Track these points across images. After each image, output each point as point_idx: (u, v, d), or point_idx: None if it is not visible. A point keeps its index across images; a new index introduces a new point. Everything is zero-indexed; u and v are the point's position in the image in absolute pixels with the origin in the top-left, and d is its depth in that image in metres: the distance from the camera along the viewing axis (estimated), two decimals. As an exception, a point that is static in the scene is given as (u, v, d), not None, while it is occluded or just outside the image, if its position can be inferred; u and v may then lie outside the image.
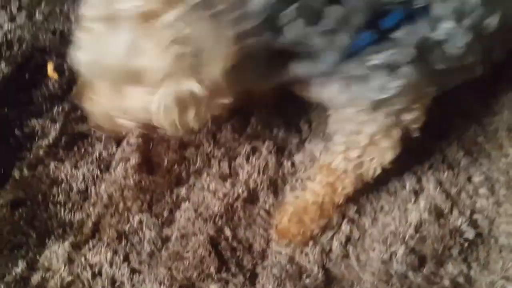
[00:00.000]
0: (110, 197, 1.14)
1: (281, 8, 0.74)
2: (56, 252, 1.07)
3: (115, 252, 1.07)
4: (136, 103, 0.80)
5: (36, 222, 1.12)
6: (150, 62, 0.71)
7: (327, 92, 0.90)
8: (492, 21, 0.84)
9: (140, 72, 0.72)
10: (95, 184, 1.17)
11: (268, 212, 1.11)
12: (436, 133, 1.19)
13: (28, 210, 1.13)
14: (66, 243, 1.07)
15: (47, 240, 1.10)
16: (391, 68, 0.83)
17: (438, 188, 1.12)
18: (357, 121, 0.93)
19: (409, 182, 1.13)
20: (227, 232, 1.08)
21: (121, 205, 1.12)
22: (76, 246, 1.08)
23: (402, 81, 0.84)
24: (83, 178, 1.17)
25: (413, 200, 1.11)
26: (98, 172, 1.18)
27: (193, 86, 0.74)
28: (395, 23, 0.80)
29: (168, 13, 0.69)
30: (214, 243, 1.08)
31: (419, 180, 1.14)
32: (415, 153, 1.15)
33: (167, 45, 0.69)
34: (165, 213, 1.12)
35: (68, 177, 1.17)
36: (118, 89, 0.80)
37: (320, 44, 0.79)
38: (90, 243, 1.08)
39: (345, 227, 1.08)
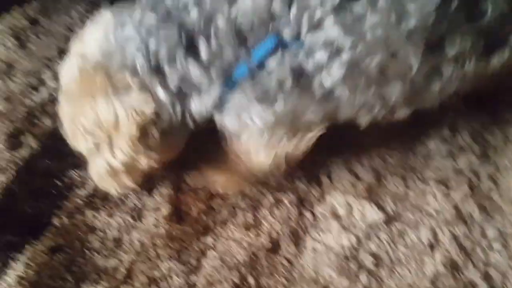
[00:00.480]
0: (142, 244, 1.21)
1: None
2: (90, 297, 1.14)
3: (145, 298, 1.13)
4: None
5: (73, 267, 1.19)
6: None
7: (226, 122, 1.02)
8: (372, 62, 0.89)
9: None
10: (128, 232, 1.25)
11: (289, 261, 1.16)
12: (451, 188, 1.25)
13: (66, 255, 1.21)
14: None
15: (82, 285, 1.17)
16: (269, 96, 0.93)
17: (454, 243, 1.16)
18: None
19: (426, 236, 1.18)
20: (251, 280, 1.14)
21: (152, 252, 1.20)
22: (110, 291, 1.15)
23: (279, 109, 0.94)
24: (118, 227, 1.26)
25: (429, 253, 1.15)
26: (131, 221, 1.27)
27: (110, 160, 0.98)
28: (266, 52, 0.90)
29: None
30: (238, 290, 1.14)
31: (435, 234, 1.18)
32: (431, 208, 1.22)
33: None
34: (193, 261, 1.19)
35: (104, 225, 1.26)
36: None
37: (201, 79, 0.93)
38: (123, 288, 1.14)
39: (363, 278, 1.13)
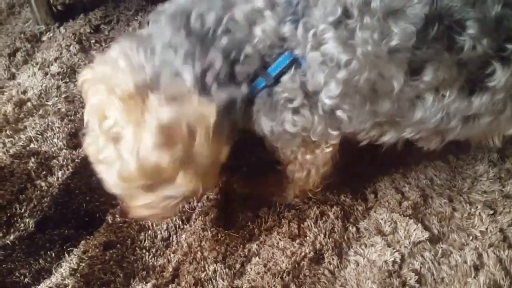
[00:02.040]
0: (189, 246, 1.26)
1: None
2: (139, 293, 1.19)
3: (191, 297, 1.18)
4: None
5: (124, 264, 1.25)
6: None
7: (260, 128, 1.08)
8: (361, 79, 0.95)
9: None
10: (176, 233, 1.30)
11: (332, 273, 1.18)
12: (497, 212, 1.25)
13: (118, 252, 1.27)
14: (149, 285, 1.19)
15: (132, 281, 1.22)
16: (279, 111, 1.02)
17: (498, 265, 1.16)
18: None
19: (470, 257, 1.18)
20: (293, 288, 1.17)
21: (198, 254, 1.24)
22: (157, 288, 1.19)
23: (289, 125, 1.03)
24: (167, 227, 1.31)
25: (473, 274, 1.15)
26: (180, 223, 1.32)
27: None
28: (281, 69, 0.98)
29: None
30: (281, 297, 1.16)
31: (479, 256, 1.18)
32: (477, 230, 1.22)
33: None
34: (237, 266, 1.22)
35: (154, 225, 1.32)
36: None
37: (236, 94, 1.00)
38: (170, 287, 1.18)
39: (406, 294, 1.14)
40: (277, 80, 1.00)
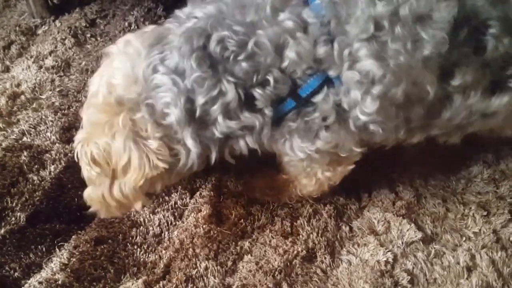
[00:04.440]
0: (181, 242, 1.25)
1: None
2: (129, 288, 1.18)
3: (182, 294, 1.17)
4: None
5: (115, 259, 1.24)
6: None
7: (290, 149, 1.06)
8: (398, 91, 0.93)
9: None
10: (168, 230, 1.29)
11: (324, 272, 1.18)
12: (491, 213, 1.25)
13: (109, 247, 1.26)
14: (140, 281, 1.18)
15: (122, 277, 1.21)
16: (312, 131, 0.99)
17: (491, 267, 1.15)
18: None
19: (463, 258, 1.17)
20: (285, 286, 1.16)
21: (190, 251, 1.23)
22: (148, 285, 1.18)
23: (322, 143, 1.01)
24: (159, 223, 1.30)
25: (465, 276, 1.15)
26: (173, 219, 1.31)
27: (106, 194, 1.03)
28: (313, 90, 0.95)
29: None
30: (272, 296, 1.16)
31: (472, 257, 1.18)
32: (470, 231, 1.21)
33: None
34: (229, 263, 1.21)
35: (146, 221, 1.31)
36: None
37: (254, 122, 0.98)
38: (161, 283, 1.17)
39: (398, 294, 1.13)
40: (307, 100, 0.97)
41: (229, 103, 0.94)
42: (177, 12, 1.03)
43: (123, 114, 0.94)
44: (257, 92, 0.94)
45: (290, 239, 1.24)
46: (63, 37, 1.95)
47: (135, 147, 0.94)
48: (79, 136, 1.02)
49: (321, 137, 1.01)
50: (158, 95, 0.95)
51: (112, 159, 0.96)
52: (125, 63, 0.99)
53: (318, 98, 0.96)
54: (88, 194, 1.05)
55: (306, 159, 1.09)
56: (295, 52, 0.92)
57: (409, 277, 1.14)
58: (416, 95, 0.96)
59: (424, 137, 1.10)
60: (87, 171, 1.01)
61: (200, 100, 0.94)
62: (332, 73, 0.94)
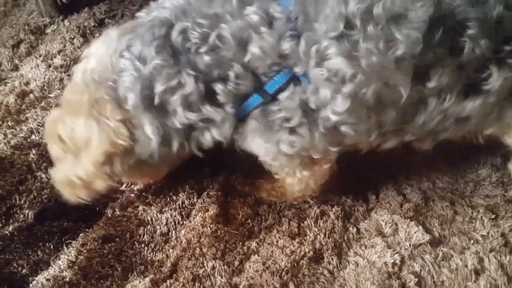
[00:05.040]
0: (188, 242, 1.25)
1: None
2: (136, 287, 1.18)
3: (189, 293, 1.17)
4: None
5: (122, 257, 1.24)
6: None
7: (251, 145, 1.07)
8: (368, 91, 0.91)
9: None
10: (176, 229, 1.29)
11: (331, 273, 1.18)
12: (499, 216, 1.24)
13: (116, 245, 1.27)
14: (147, 280, 1.18)
15: (129, 275, 1.21)
16: (276, 129, 0.99)
17: (500, 271, 1.15)
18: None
19: (471, 261, 1.17)
20: (292, 287, 1.15)
21: (197, 250, 1.23)
22: (155, 284, 1.18)
23: (286, 146, 1.00)
24: (166, 222, 1.30)
25: (473, 279, 1.14)
26: (180, 219, 1.31)
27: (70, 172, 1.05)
28: (279, 87, 0.94)
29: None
30: (279, 296, 1.15)
31: (480, 260, 1.17)
32: (478, 234, 1.21)
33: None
34: (236, 263, 1.21)
35: (154, 220, 1.31)
36: None
37: (216, 116, 0.98)
38: (168, 282, 1.18)
39: (405, 296, 1.13)
40: (273, 98, 0.97)
41: (188, 95, 0.95)
42: (152, 3, 1.06)
43: (88, 94, 0.98)
44: (218, 87, 0.95)
45: (297, 239, 1.24)
46: (72, 37, 1.96)
47: (95, 123, 0.97)
48: (51, 114, 1.07)
49: (284, 139, 1.01)
50: (121, 79, 0.97)
51: (76, 136, 1.00)
52: (98, 50, 1.04)
53: (283, 96, 0.96)
54: (54, 174, 1.08)
55: (275, 160, 1.08)
56: (259, 47, 0.91)
57: (416, 279, 1.14)
58: (389, 98, 0.94)
59: (398, 143, 1.08)
60: (54, 150, 1.05)
61: (158, 87, 0.95)
62: (298, 70, 0.93)
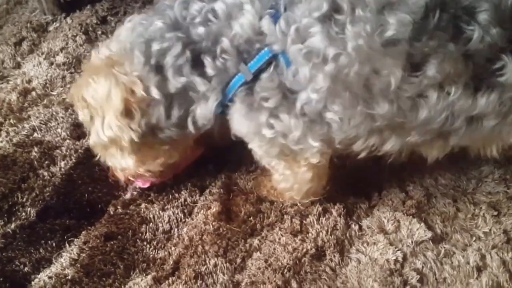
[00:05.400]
0: (190, 239, 1.25)
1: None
2: (139, 284, 1.18)
3: (191, 291, 1.17)
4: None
5: (124, 255, 1.24)
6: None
7: (236, 126, 1.10)
8: (351, 71, 0.90)
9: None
10: (178, 226, 1.30)
11: (333, 270, 1.18)
12: (501, 213, 1.24)
13: (118, 243, 1.27)
14: (149, 277, 1.18)
15: (132, 273, 1.22)
16: (257, 109, 1.01)
17: (502, 267, 1.14)
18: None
19: (473, 258, 1.16)
20: (294, 284, 1.15)
21: (199, 248, 1.23)
22: (157, 281, 1.18)
23: (279, 123, 1.00)
24: (168, 220, 1.31)
25: (475, 275, 1.14)
26: (182, 216, 1.31)
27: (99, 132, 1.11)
28: (260, 65, 0.96)
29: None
30: (281, 293, 1.15)
31: (483, 257, 1.17)
32: (481, 231, 1.21)
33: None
34: (238, 260, 1.21)
35: (156, 217, 1.31)
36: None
37: (204, 89, 1.03)
38: (170, 280, 1.18)
39: (407, 293, 1.13)
40: (256, 77, 0.98)
41: (176, 58, 1.00)
42: None
43: (107, 61, 1.06)
44: (207, 59, 1.00)
45: (299, 237, 1.23)
46: (74, 34, 1.96)
47: (114, 79, 1.03)
48: (76, 81, 1.16)
49: (263, 120, 1.01)
50: (134, 46, 1.05)
51: (98, 94, 1.05)
52: (124, 29, 1.12)
53: (264, 76, 0.98)
54: (91, 140, 1.15)
55: (258, 146, 1.11)
56: (239, 23, 0.96)
57: (418, 276, 1.14)
58: (377, 85, 0.91)
59: (403, 145, 1.05)
60: (82, 115, 1.12)
61: (154, 47, 1.02)
62: (276, 47, 0.95)
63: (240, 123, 1.07)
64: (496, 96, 0.91)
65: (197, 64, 1.02)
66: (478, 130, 0.98)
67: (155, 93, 1.05)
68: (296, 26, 0.92)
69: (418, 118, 0.96)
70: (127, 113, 1.06)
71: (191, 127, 1.12)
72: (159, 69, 1.03)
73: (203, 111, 1.07)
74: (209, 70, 1.01)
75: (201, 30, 1.00)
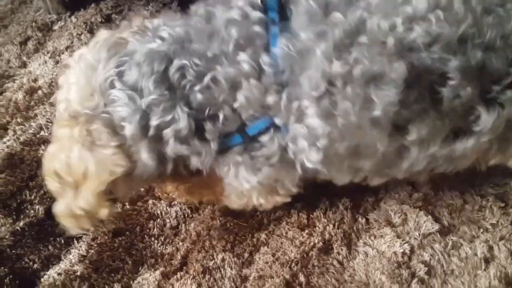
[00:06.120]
0: (198, 234, 1.26)
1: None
2: (147, 280, 1.20)
3: (199, 285, 1.17)
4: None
5: (132, 251, 1.26)
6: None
7: (233, 178, 1.08)
8: (341, 146, 0.95)
9: None
10: (185, 222, 1.30)
11: (340, 263, 1.18)
12: (509, 205, 1.24)
13: (127, 239, 1.28)
14: (157, 272, 1.19)
15: (140, 268, 1.23)
16: (256, 166, 1.02)
17: (510, 259, 1.14)
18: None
19: (480, 250, 1.16)
20: (301, 278, 1.16)
21: (207, 243, 1.24)
22: (166, 276, 1.19)
23: (263, 177, 1.04)
24: (176, 216, 1.31)
25: (483, 267, 1.13)
26: (189, 212, 1.32)
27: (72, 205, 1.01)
28: (259, 131, 0.98)
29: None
30: (289, 286, 1.15)
31: (490, 249, 1.17)
32: (488, 223, 1.20)
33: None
34: (246, 254, 1.22)
35: (163, 213, 1.32)
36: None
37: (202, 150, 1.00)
38: (178, 274, 1.19)
39: (415, 286, 1.12)
40: (253, 139, 1.00)
41: (180, 130, 0.96)
42: (146, 22, 1.04)
43: (78, 126, 0.96)
44: (208, 125, 0.97)
45: (306, 231, 1.24)
46: (79, 33, 1.97)
47: (91, 154, 0.95)
48: (46, 152, 1.04)
49: (263, 171, 1.04)
50: (115, 109, 0.96)
51: (72, 170, 0.97)
52: (79, 78, 1.00)
53: (264, 139, 0.99)
54: (59, 209, 1.04)
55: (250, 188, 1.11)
56: (245, 97, 0.94)
57: (426, 269, 1.14)
58: (364, 151, 0.97)
59: (386, 180, 1.11)
60: (53, 185, 1.02)
61: (154, 121, 0.96)
62: (278, 121, 0.97)
63: (239, 174, 1.06)
64: (474, 141, 0.94)
65: (198, 131, 0.99)
66: (461, 163, 1.04)
67: (147, 158, 0.99)
68: (297, 104, 0.94)
69: (400, 168, 1.01)
70: (108, 188, 1.00)
71: (182, 171, 1.09)
72: (154, 137, 0.98)
73: (196, 163, 1.04)
74: (209, 135, 0.99)
75: (200, 97, 0.95)
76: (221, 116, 0.96)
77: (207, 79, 0.94)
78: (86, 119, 0.96)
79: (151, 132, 0.97)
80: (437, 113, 0.90)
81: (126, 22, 1.08)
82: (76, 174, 0.96)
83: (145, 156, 0.98)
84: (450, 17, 0.86)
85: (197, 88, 0.95)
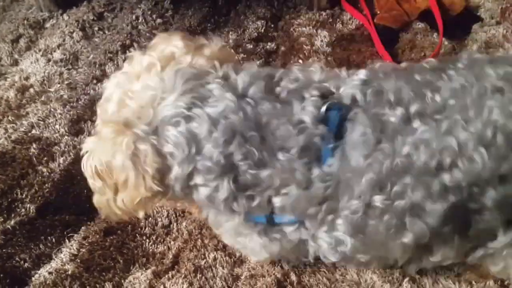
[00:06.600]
0: (190, 233, 1.26)
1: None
2: (139, 279, 1.19)
3: (190, 284, 1.17)
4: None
5: (124, 250, 1.25)
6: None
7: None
8: (363, 257, 1.02)
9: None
10: (177, 221, 1.30)
11: (332, 264, 1.18)
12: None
13: (118, 238, 1.27)
14: (149, 271, 1.19)
15: (131, 267, 1.22)
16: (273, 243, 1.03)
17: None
18: None
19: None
20: (293, 277, 1.16)
21: (199, 241, 1.24)
22: (157, 275, 1.19)
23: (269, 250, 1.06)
24: (167, 215, 1.31)
25: (474, 266, 1.14)
26: (180, 211, 1.31)
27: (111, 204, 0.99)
28: (286, 222, 0.99)
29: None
30: (280, 286, 1.16)
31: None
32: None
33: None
34: (237, 254, 1.22)
35: (155, 212, 1.31)
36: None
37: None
38: (170, 273, 1.19)
39: (406, 285, 1.13)
40: (276, 224, 1.01)
41: (216, 196, 0.96)
42: (231, 72, 0.98)
43: (127, 138, 0.92)
44: (241, 201, 0.96)
45: (298, 230, 1.24)
46: (71, 31, 1.96)
47: (133, 167, 0.92)
48: (86, 145, 0.99)
49: (273, 247, 1.05)
50: (166, 144, 0.93)
51: (113, 174, 0.95)
52: (145, 90, 0.95)
53: (288, 229, 1.00)
54: (96, 200, 1.04)
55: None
56: (280, 203, 0.95)
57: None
58: (384, 260, 1.05)
59: None
60: (93, 183, 1.00)
61: (197, 180, 0.95)
62: (308, 225, 0.98)
63: (254, 241, 1.06)
64: (483, 252, 0.98)
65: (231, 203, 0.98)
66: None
67: (178, 192, 0.99)
68: (332, 218, 0.95)
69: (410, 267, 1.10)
70: (144, 199, 0.99)
71: None
72: (193, 187, 0.98)
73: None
74: (236, 208, 0.98)
75: (247, 180, 0.94)
76: (256, 201, 0.96)
77: (261, 173, 0.93)
78: (137, 133, 0.93)
79: (191, 183, 0.96)
80: (462, 237, 0.93)
81: (205, 40, 1.04)
82: (117, 179, 0.95)
83: (178, 190, 0.98)
84: (493, 154, 0.85)
85: (251, 172, 0.93)
